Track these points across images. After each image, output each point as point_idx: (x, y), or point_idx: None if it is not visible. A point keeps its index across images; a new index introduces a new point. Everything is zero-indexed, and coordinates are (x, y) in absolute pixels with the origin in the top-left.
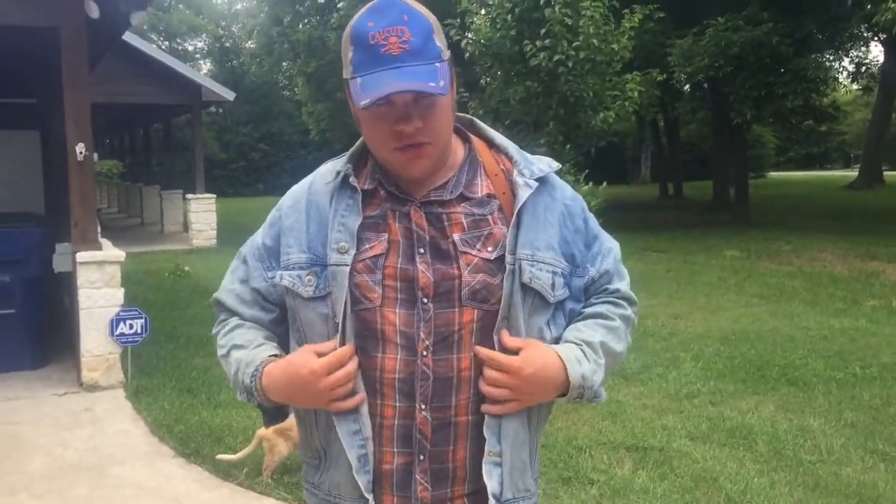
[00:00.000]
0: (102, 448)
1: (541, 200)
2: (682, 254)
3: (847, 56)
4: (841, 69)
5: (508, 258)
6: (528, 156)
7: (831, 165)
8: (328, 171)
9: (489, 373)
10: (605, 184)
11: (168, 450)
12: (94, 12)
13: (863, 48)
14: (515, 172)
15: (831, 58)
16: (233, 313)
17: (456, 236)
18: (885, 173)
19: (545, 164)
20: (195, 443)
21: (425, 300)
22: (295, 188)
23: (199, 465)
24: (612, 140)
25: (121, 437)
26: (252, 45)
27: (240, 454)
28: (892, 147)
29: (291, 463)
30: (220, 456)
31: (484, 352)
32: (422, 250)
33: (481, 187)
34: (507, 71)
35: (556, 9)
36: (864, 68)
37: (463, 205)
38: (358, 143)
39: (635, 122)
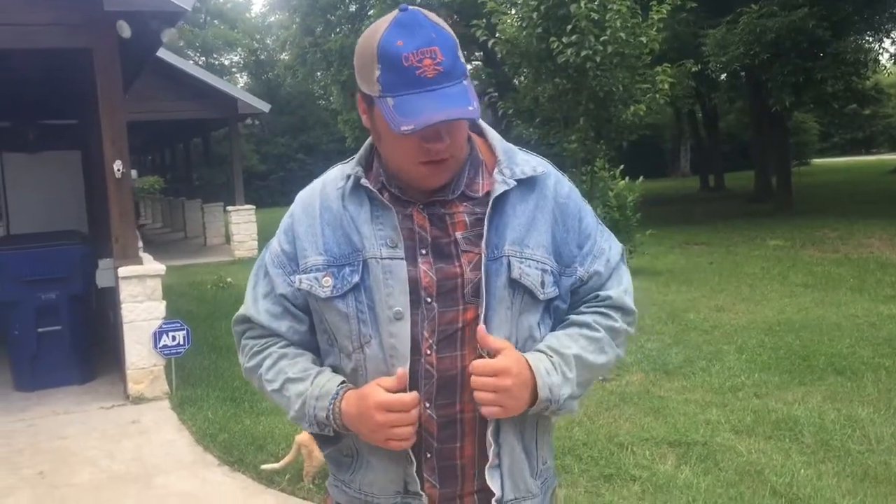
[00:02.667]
0: (149, 458)
1: (531, 198)
2: (724, 245)
3: (888, 37)
4: (882, 51)
5: (484, 253)
6: (518, 155)
7: (877, 150)
8: (337, 175)
9: (479, 379)
10: (641, 178)
11: (212, 458)
12: (125, 32)
13: None
14: (496, 171)
15: (871, 40)
16: (266, 330)
17: (458, 235)
18: None
19: (531, 167)
20: (239, 451)
21: (429, 300)
22: (304, 193)
23: (243, 473)
24: (645, 134)
25: (166, 448)
26: (286, 57)
27: (282, 462)
28: None
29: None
30: (264, 466)
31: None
32: (423, 251)
33: (482, 186)
34: (535, 69)
35: (582, 4)
36: None
37: (465, 204)
38: (364, 146)
39: (672, 115)
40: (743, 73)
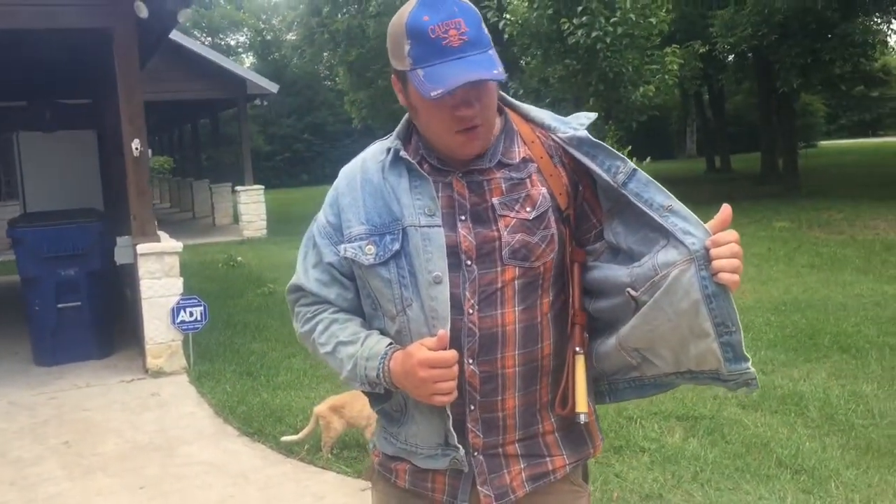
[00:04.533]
0: (170, 430)
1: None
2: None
3: None
4: (890, 32)
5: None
6: (564, 118)
7: (885, 132)
8: (378, 149)
9: (735, 247)
10: (648, 159)
11: (232, 430)
12: (143, 12)
13: None
14: (560, 133)
15: (879, 21)
16: (316, 297)
17: (495, 200)
18: None
19: (584, 117)
20: (258, 422)
21: (469, 262)
22: (348, 168)
23: (263, 444)
24: (654, 114)
25: (187, 420)
26: (293, 37)
27: (301, 434)
28: None
29: (350, 439)
30: (284, 438)
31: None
32: (463, 217)
33: (518, 153)
34: (545, 50)
35: None
36: None
37: (502, 171)
38: (402, 122)
39: (678, 96)
40: (750, 55)
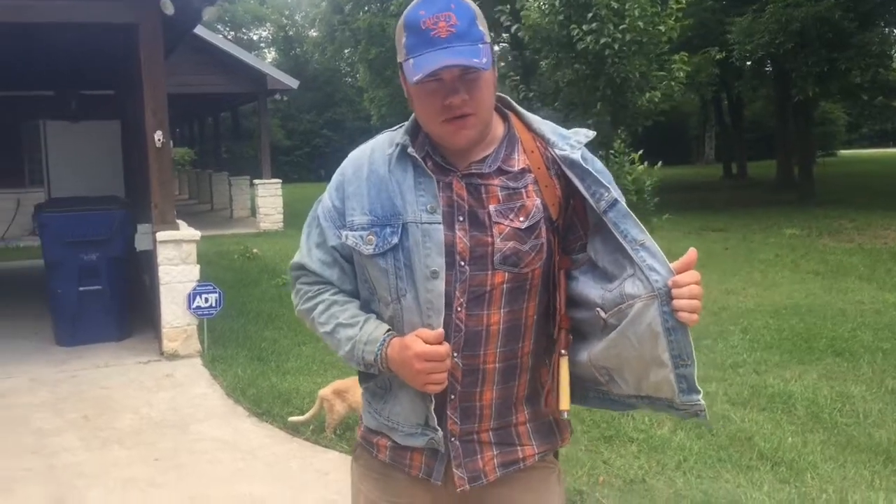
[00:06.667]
0: (183, 408)
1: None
2: (741, 232)
3: None
4: None
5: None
6: (565, 132)
7: None
8: (386, 140)
9: (695, 288)
10: (659, 164)
11: (242, 410)
12: (169, 9)
13: None
14: (557, 149)
15: None
16: (318, 277)
17: (492, 207)
18: None
19: (582, 134)
20: (266, 404)
21: (462, 263)
22: (356, 154)
23: (271, 424)
24: (660, 120)
25: (199, 399)
26: (315, 34)
27: (307, 415)
28: None
29: (352, 421)
30: (291, 418)
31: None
32: (461, 218)
33: (518, 162)
34: (556, 55)
35: None
36: None
37: (500, 178)
38: (410, 119)
39: (697, 102)
40: (768, 62)
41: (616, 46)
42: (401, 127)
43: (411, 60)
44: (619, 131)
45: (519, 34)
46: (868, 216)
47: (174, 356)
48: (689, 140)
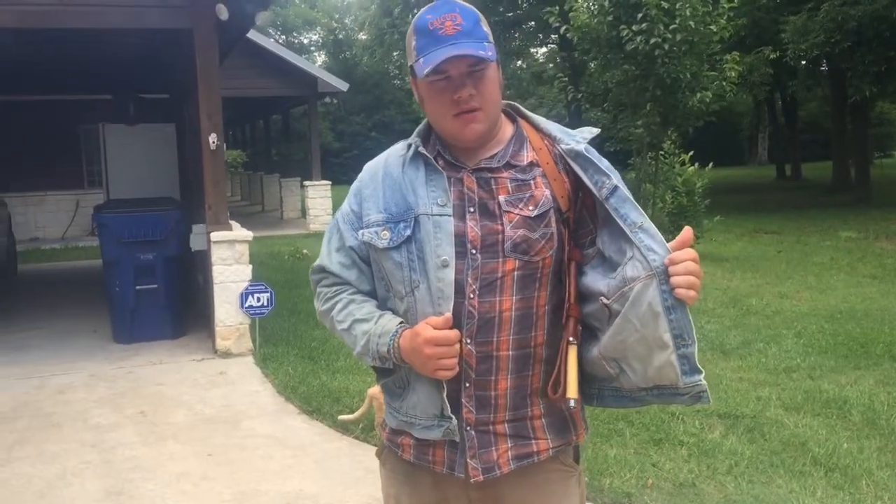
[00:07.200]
0: (236, 405)
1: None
2: (794, 235)
3: None
4: None
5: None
6: (571, 130)
7: None
8: (400, 147)
9: (691, 265)
10: (710, 165)
11: (293, 408)
12: (223, 14)
13: None
14: (563, 144)
15: None
16: (337, 278)
17: (502, 198)
18: None
19: (587, 131)
20: (317, 402)
21: (474, 251)
22: (371, 163)
23: (321, 422)
24: (711, 120)
25: (251, 397)
26: (364, 37)
27: (357, 413)
28: None
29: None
30: (341, 417)
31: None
32: (472, 209)
33: (526, 157)
34: (605, 55)
35: None
36: None
37: (509, 171)
38: (423, 122)
39: (750, 102)
40: (823, 61)
41: (666, 46)
42: (413, 133)
43: (421, 59)
44: (670, 132)
45: (567, 35)
46: None
47: (227, 354)
48: (742, 141)
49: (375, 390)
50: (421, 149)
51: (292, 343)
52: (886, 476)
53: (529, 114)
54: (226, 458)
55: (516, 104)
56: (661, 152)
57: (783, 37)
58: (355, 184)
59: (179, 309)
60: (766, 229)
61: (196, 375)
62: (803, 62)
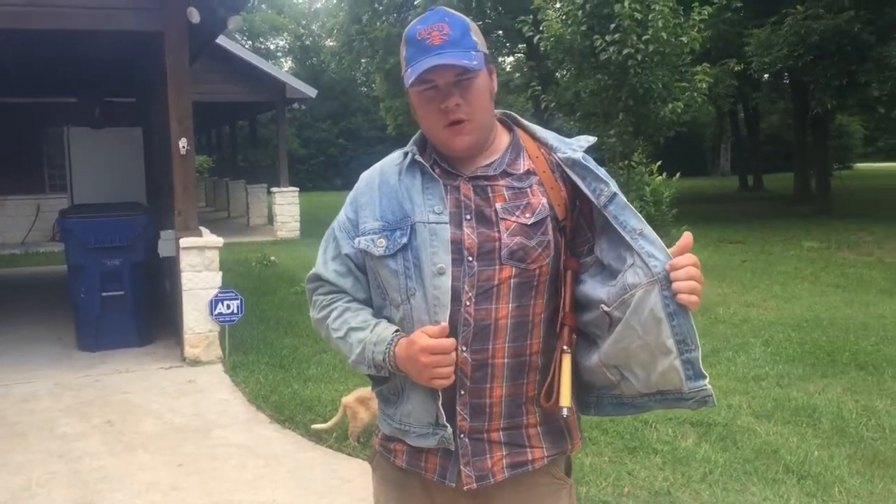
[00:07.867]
0: (206, 414)
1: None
2: (759, 245)
3: None
4: None
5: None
6: (567, 139)
7: None
8: (396, 155)
9: (693, 270)
10: (678, 175)
11: (265, 417)
12: (195, 17)
13: None
14: (559, 153)
15: None
16: (333, 287)
17: (498, 205)
18: None
19: (583, 139)
20: (289, 411)
21: (470, 259)
22: (367, 172)
23: (293, 431)
24: (682, 131)
25: (221, 406)
26: (332, 43)
27: (330, 423)
28: None
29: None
30: (314, 426)
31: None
32: (468, 217)
33: (523, 165)
34: (578, 65)
35: (626, 4)
36: None
37: (506, 179)
38: (418, 132)
39: (713, 114)
40: (786, 74)
41: (639, 57)
42: (410, 141)
43: (409, 69)
44: (639, 142)
45: (541, 45)
46: (886, 229)
47: (196, 362)
48: (705, 152)
49: (349, 399)
50: (417, 157)
51: (262, 351)
52: (858, 483)
53: (526, 122)
54: (196, 467)
55: (513, 113)
56: (631, 162)
57: (747, 50)
58: (352, 193)
59: (146, 316)
60: (730, 239)
61: (164, 384)
62: (766, 75)
